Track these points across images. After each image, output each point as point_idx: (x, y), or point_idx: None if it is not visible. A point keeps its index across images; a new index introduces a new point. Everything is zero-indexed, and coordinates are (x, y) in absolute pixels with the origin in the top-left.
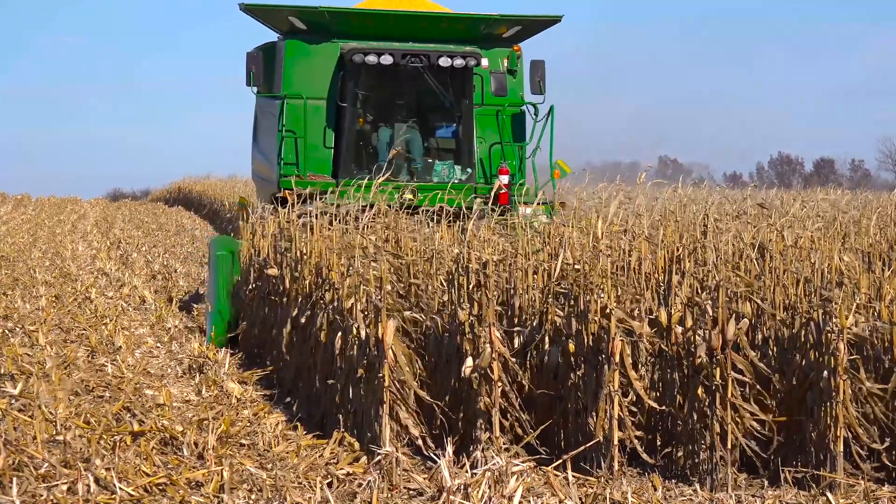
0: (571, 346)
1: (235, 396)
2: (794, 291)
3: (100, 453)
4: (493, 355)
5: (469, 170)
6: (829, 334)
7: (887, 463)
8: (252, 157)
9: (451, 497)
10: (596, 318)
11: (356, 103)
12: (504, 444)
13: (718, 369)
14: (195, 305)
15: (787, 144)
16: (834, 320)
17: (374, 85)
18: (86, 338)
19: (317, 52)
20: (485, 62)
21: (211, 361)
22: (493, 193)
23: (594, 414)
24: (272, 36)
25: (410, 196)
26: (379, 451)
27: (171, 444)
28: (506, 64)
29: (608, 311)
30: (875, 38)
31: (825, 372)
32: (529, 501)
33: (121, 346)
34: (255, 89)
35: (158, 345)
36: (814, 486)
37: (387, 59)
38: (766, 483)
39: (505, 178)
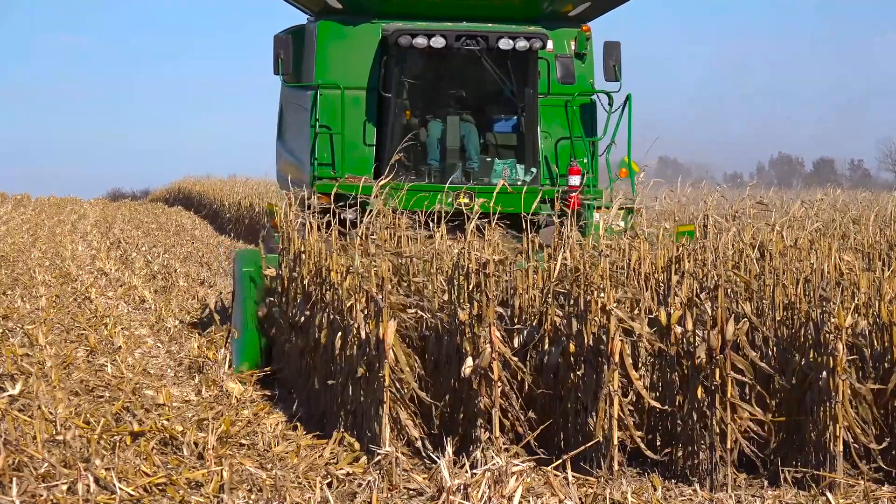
0: (571, 346)
1: (235, 396)
2: (793, 291)
3: (99, 453)
4: (493, 355)
5: (533, 169)
6: (827, 334)
7: (882, 465)
8: (277, 156)
9: (451, 497)
10: (596, 318)
11: (402, 93)
12: (504, 444)
13: (718, 369)
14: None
15: (787, 144)
16: (833, 320)
17: (422, 71)
18: (85, 338)
19: (355, 34)
20: (549, 45)
21: (211, 361)
22: (562, 197)
23: (594, 414)
24: (299, 19)
25: (466, 200)
26: (379, 451)
27: (170, 444)
28: (573, 46)
29: (608, 310)
30: (875, 37)
31: (824, 372)
32: (529, 501)
33: (120, 346)
34: (282, 78)
35: (158, 345)
36: (813, 486)
37: (438, 42)
38: (765, 483)
39: (576, 179)
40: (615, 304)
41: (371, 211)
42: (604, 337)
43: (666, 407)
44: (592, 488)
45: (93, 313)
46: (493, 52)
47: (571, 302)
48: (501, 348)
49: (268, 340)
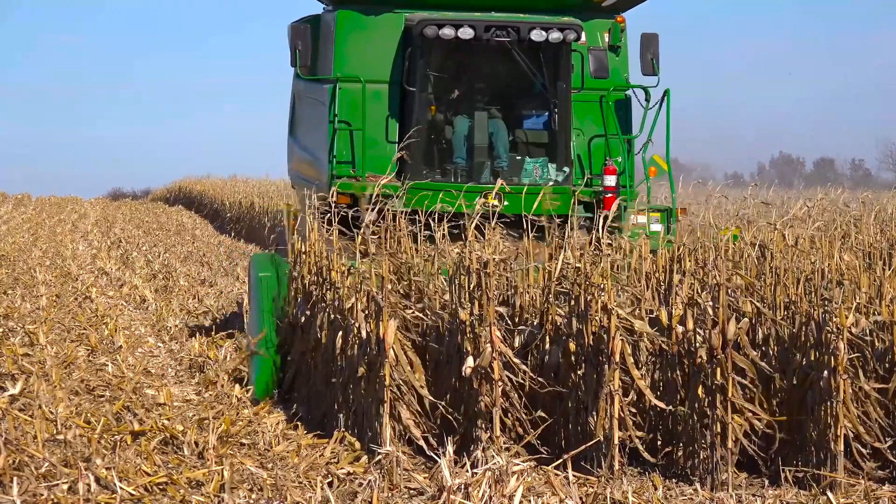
0: (572, 346)
1: (236, 396)
2: (794, 291)
3: (100, 453)
4: (494, 355)
5: (566, 169)
6: (828, 334)
7: (893, 459)
8: (289, 154)
9: (452, 496)
10: (597, 318)
11: (426, 87)
12: (504, 443)
13: (719, 369)
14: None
15: (788, 144)
16: (834, 319)
17: (449, 64)
18: (86, 337)
19: (376, 24)
20: (582, 37)
21: (211, 361)
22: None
23: (594, 413)
24: (313, 8)
25: (495, 202)
26: (379, 451)
27: (171, 443)
28: (607, 39)
29: (609, 309)
30: (876, 37)
31: (825, 371)
32: (530, 501)
33: (121, 346)
34: (295, 71)
35: (159, 344)
36: (814, 485)
37: (466, 33)
38: (766, 482)
39: (611, 180)
40: (616, 304)
41: (385, 211)
42: (605, 336)
43: (668, 406)
44: (593, 488)
45: (93, 313)
46: (524, 43)
47: (572, 301)
48: (502, 348)
49: (288, 352)
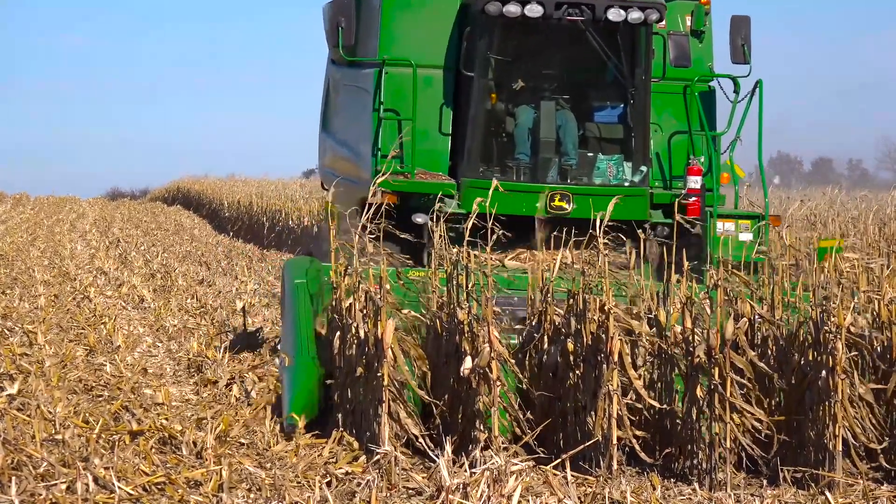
0: (570, 346)
1: (234, 395)
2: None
3: (98, 452)
4: (492, 355)
5: (643, 168)
6: (827, 334)
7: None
8: (321, 149)
9: (450, 496)
10: (595, 318)
11: (487, 72)
12: (503, 443)
13: (717, 369)
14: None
15: (786, 144)
16: (832, 319)
17: (513, 47)
18: (84, 337)
19: (429, 0)
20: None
21: (210, 361)
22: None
23: (593, 413)
24: None
25: (563, 204)
26: (378, 451)
27: (169, 443)
28: (689, 22)
29: (607, 310)
30: (871, 36)
31: (823, 371)
32: (528, 501)
33: (119, 346)
34: (330, 55)
35: (157, 344)
36: (813, 485)
37: (535, 10)
38: (765, 482)
39: (696, 181)
40: (614, 304)
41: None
42: (603, 336)
43: (665, 406)
44: (591, 488)
45: (92, 312)
46: (599, 24)
47: (570, 301)
48: (500, 348)
49: (325, 370)
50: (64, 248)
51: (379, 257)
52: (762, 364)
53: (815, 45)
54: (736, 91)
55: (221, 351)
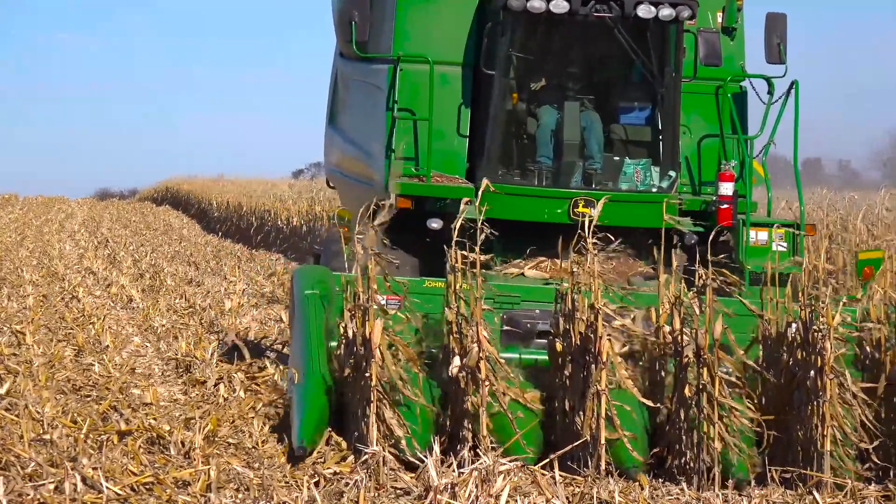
0: (559, 345)
1: (223, 395)
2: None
3: (86, 452)
4: (481, 354)
5: (672, 173)
6: (815, 333)
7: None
8: (328, 148)
9: (439, 496)
10: (584, 317)
11: (508, 71)
12: (491, 443)
13: (706, 368)
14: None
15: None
16: (821, 319)
17: (536, 44)
18: (73, 337)
19: None
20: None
21: (198, 361)
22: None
23: (581, 413)
24: None
25: (587, 211)
26: (366, 451)
27: (157, 443)
28: (720, 19)
29: (596, 309)
30: (857, 37)
31: (812, 371)
32: (516, 500)
33: (108, 346)
34: (337, 49)
35: (146, 344)
36: (801, 485)
37: (560, 5)
38: (753, 482)
39: (728, 188)
40: (603, 303)
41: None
42: (592, 336)
43: (656, 405)
44: (580, 487)
45: (80, 312)
46: (628, 20)
47: (560, 300)
48: (489, 347)
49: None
50: (53, 248)
51: (392, 265)
52: (751, 363)
53: (814, 45)
54: (770, 92)
55: (210, 351)
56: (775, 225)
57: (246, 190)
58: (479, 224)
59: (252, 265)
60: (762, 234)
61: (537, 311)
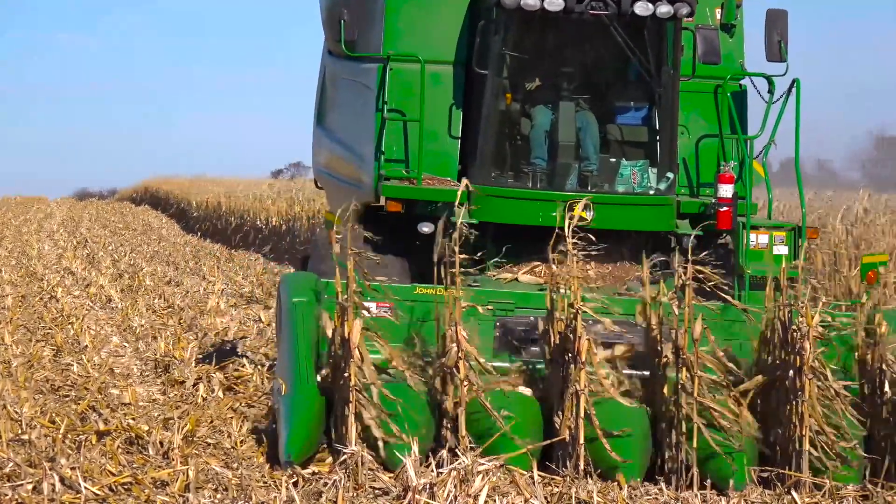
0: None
1: (201, 396)
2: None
3: (65, 452)
4: (460, 354)
5: (670, 175)
6: (794, 333)
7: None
8: (317, 145)
9: (417, 496)
10: (563, 317)
11: (501, 70)
12: (470, 443)
13: (685, 368)
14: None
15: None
16: (800, 318)
17: (530, 43)
18: (51, 337)
19: None
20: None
21: (177, 361)
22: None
23: (560, 412)
24: None
25: (583, 214)
26: (345, 451)
27: (136, 443)
28: (719, 16)
29: (575, 308)
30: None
31: (791, 371)
32: (495, 500)
33: (87, 346)
34: (326, 46)
35: (125, 344)
36: (779, 485)
37: (555, 3)
38: (732, 482)
39: (727, 190)
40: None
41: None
42: (571, 335)
43: (636, 405)
44: (558, 487)
45: (59, 312)
46: (625, 18)
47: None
48: (468, 347)
49: (328, 401)
50: (31, 248)
51: (374, 264)
52: (730, 363)
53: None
54: (771, 91)
55: (189, 351)
56: (777, 228)
57: (225, 190)
58: (459, 223)
59: (231, 265)
60: (763, 238)
61: (532, 318)
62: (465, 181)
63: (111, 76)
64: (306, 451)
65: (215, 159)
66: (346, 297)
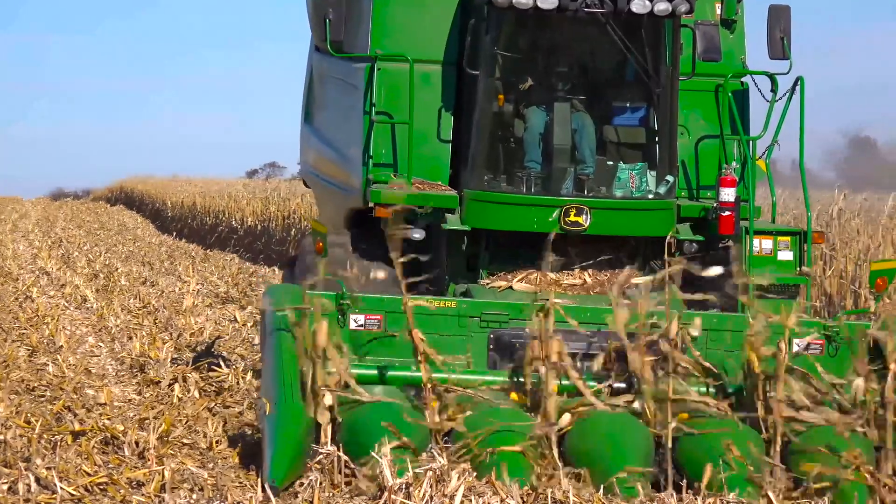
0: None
1: (177, 396)
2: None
3: (40, 453)
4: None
5: (669, 178)
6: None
7: None
8: (303, 146)
9: (393, 497)
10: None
11: (493, 70)
12: (446, 443)
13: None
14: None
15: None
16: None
17: (523, 42)
18: (27, 337)
19: None
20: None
21: (153, 361)
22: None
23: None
24: None
25: (579, 219)
26: (320, 451)
27: (112, 443)
28: (718, 11)
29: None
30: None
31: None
32: (471, 501)
33: (62, 346)
34: (313, 44)
35: (100, 344)
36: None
37: (548, 1)
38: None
39: (730, 193)
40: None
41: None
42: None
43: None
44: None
45: (34, 313)
46: (621, 16)
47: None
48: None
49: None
50: (6, 248)
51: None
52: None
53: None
54: (773, 90)
55: (164, 351)
56: (781, 233)
57: (200, 190)
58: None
59: (207, 265)
60: (766, 243)
61: (527, 329)
62: (439, 183)
63: (86, 76)
64: (291, 476)
65: (190, 159)
66: (330, 309)
